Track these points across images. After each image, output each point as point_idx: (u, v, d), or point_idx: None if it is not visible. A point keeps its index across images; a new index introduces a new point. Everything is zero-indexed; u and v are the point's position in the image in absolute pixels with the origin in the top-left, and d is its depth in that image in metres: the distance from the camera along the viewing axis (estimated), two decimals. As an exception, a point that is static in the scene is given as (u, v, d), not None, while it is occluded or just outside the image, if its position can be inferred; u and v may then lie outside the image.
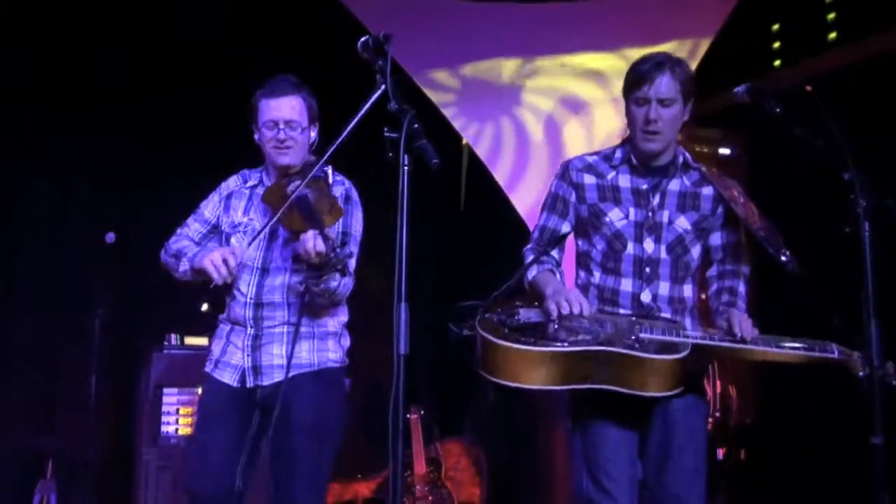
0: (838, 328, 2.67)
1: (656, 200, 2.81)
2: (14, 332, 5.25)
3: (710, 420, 5.12)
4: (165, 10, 5.40)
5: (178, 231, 3.26)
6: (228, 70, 5.28)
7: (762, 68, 5.92)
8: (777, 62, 5.98)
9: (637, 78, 2.73)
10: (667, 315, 2.79)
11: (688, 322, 2.82)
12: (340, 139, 2.41)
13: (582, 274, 2.93)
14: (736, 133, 6.02)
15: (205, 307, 4.93)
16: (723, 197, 2.85)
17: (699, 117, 6.09)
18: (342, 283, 2.96)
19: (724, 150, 6.08)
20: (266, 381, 3.05)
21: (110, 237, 4.60)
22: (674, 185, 2.84)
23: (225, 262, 2.85)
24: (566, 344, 2.55)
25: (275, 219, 2.88)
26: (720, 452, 5.08)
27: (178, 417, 4.59)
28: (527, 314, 2.74)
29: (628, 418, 2.74)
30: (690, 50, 5.83)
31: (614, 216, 2.81)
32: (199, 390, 3.37)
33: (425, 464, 5.03)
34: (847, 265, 2.59)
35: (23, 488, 4.85)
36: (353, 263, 3.00)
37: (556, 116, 5.89)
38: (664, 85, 2.71)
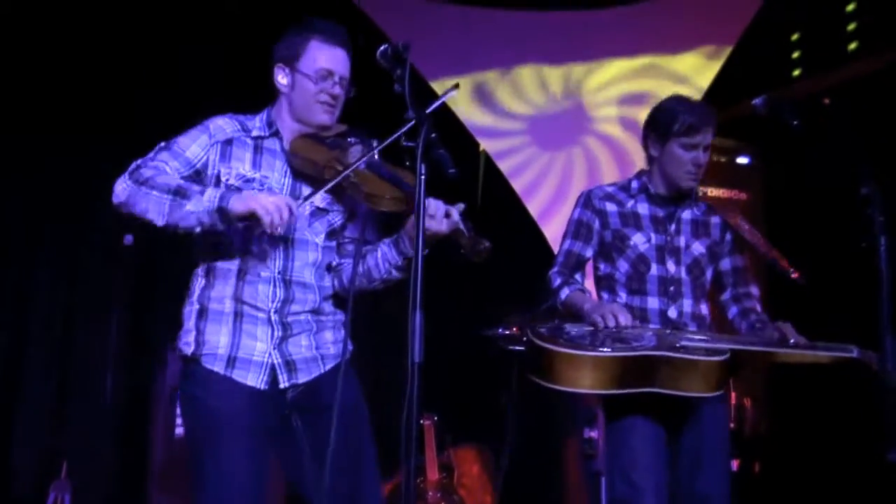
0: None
1: (673, 227, 3.06)
2: (31, 331, 5.28)
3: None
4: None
5: (150, 163, 2.48)
6: (240, 76, 5.30)
7: (781, 77, 5.90)
8: (796, 72, 5.96)
9: (692, 125, 2.95)
10: (693, 329, 2.98)
11: (710, 334, 2.98)
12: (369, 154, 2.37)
13: (606, 295, 3.11)
14: (753, 143, 6.00)
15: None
16: (729, 224, 3.10)
17: (718, 127, 6.09)
18: None
19: (742, 160, 6.07)
20: (303, 378, 2.55)
21: (128, 239, 4.62)
22: (686, 215, 3.10)
23: (279, 209, 2.31)
24: (622, 349, 2.71)
25: (340, 178, 2.39)
26: (734, 464, 5.05)
27: (192, 419, 4.60)
28: (572, 327, 2.89)
29: (659, 421, 2.90)
30: (710, 57, 5.83)
31: (638, 240, 3.04)
32: (191, 395, 2.54)
33: (437, 470, 5.03)
34: (863, 278, 2.60)
35: (37, 488, 4.87)
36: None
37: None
38: (711, 135, 3.00)
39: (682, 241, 3.05)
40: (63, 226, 5.37)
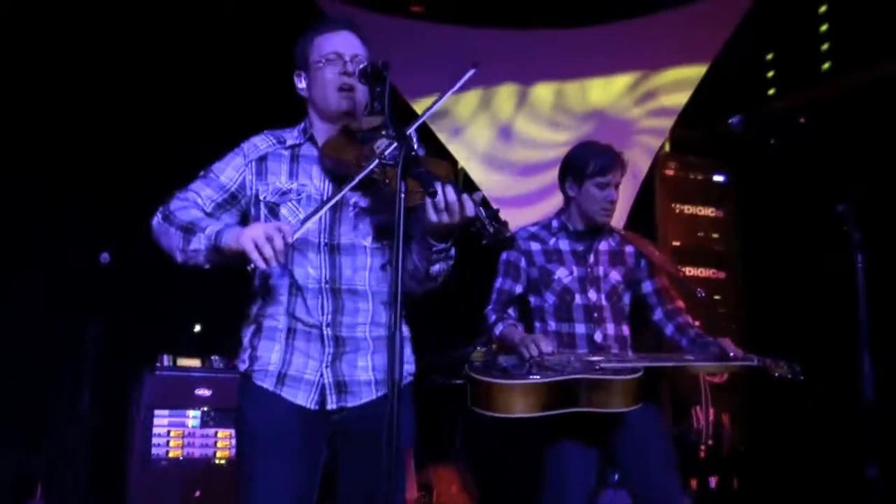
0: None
1: (592, 258, 3.38)
2: (5, 350, 5.21)
3: (703, 448, 5.12)
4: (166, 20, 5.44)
5: (182, 195, 2.52)
6: (225, 82, 5.31)
7: (757, 97, 5.96)
8: (771, 91, 6.03)
9: (604, 166, 3.30)
10: (615, 350, 3.31)
11: (630, 353, 3.32)
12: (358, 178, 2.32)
13: (538, 325, 3.40)
14: (729, 161, 6.05)
15: (198, 328, 4.91)
16: (643, 253, 3.41)
17: (693, 145, 6.16)
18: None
19: (718, 178, 6.11)
20: (352, 402, 2.44)
21: (105, 257, 4.58)
22: (603, 246, 3.42)
23: (270, 240, 2.19)
24: (547, 375, 2.99)
25: (362, 176, 2.27)
26: (713, 481, 5.07)
27: (168, 440, 4.55)
28: (505, 359, 3.18)
29: (590, 442, 3.23)
30: (686, 77, 5.88)
31: (562, 273, 3.36)
32: (240, 410, 2.49)
33: (416, 489, 5.01)
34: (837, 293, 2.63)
35: (11, 509, 4.80)
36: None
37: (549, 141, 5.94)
38: (620, 175, 3.35)
39: (601, 271, 3.37)
40: (39, 243, 5.32)
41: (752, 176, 5.90)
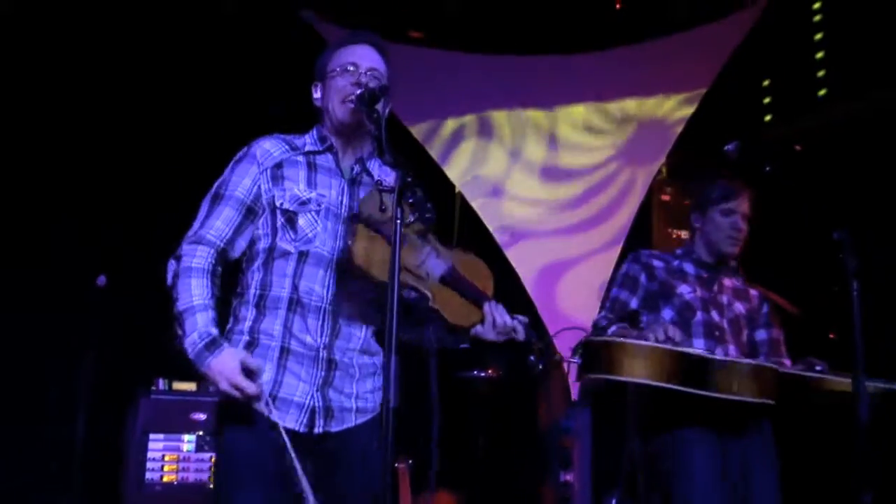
0: None
1: (716, 287, 3.26)
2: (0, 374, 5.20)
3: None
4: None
5: (200, 230, 2.43)
6: (221, 104, 5.33)
7: (753, 123, 6.00)
8: (768, 117, 6.06)
9: (728, 193, 3.23)
10: None
11: None
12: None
13: None
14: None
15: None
16: (767, 297, 3.30)
17: (692, 171, 6.17)
18: None
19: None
20: (336, 428, 2.40)
21: (101, 280, 4.57)
22: (728, 282, 3.30)
23: (240, 389, 2.24)
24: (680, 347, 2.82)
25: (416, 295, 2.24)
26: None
27: (163, 464, 4.53)
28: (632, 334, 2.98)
29: (715, 440, 3.01)
30: (683, 103, 5.91)
31: (684, 290, 3.21)
32: (222, 428, 2.42)
33: (413, 515, 4.97)
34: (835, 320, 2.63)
35: (4, 533, 4.77)
36: None
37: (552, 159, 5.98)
38: (746, 203, 3.26)
39: (724, 300, 3.23)
40: (33, 265, 5.32)
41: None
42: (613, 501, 4.91)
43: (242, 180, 2.44)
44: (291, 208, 2.40)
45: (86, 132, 5.35)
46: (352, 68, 2.47)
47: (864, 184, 4.94)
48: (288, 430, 2.31)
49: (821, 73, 5.72)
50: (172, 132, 5.45)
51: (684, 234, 5.96)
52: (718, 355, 2.95)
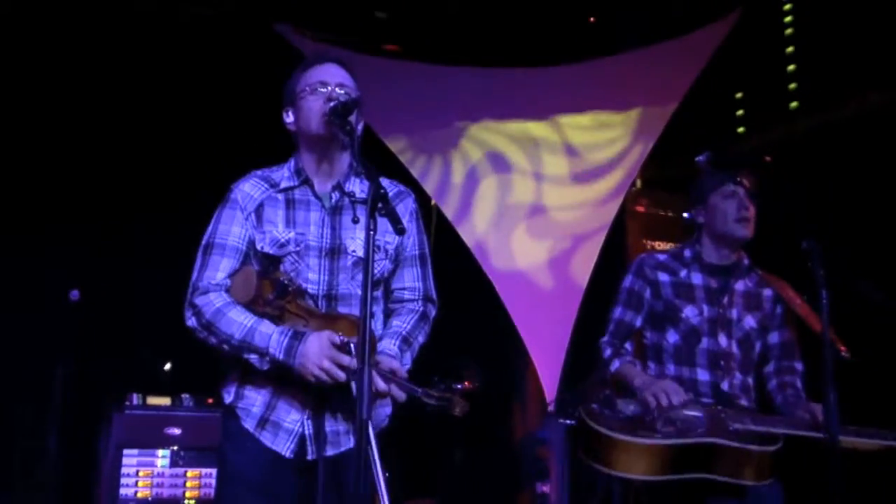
0: None
1: (726, 299, 3.02)
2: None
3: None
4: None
5: (201, 283, 2.46)
6: (198, 116, 5.31)
7: (727, 135, 6.05)
8: (741, 129, 6.12)
9: (725, 174, 3.00)
10: (744, 403, 2.96)
11: (758, 414, 2.93)
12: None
13: (652, 365, 3.08)
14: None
15: (167, 366, 4.86)
16: (781, 298, 3.05)
17: (665, 182, 6.22)
18: (424, 333, 2.62)
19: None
20: (331, 452, 2.41)
21: (74, 295, 4.54)
22: (739, 286, 3.05)
23: (337, 366, 2.29)
24: (675, 435, 2.71)
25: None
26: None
27: (137, 480, 4.49)
28: (625, 405, 2.87)
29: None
30: (657, 116, 5.96)
31: (690, 313, 3.01)
32: (222, 448, 2.50)
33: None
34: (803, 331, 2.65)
35: (-24, 552, 4.71)
36: (433, 285, 2.67)
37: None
38: (748, 179, 3.01)
39: (734, 314, 3.01)
40: (5, 279, 5.27)
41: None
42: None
43: (231, 228, 2.48)
44: (271, 252, 2.45)
45: (61, 146, 5.33)
46: (321, 86, 2.48)
47: (833, 194, 5.00)
48: (277, 454, 2.38)
49: (792, 86, 5.79)
50: (147, 148, 5.43)
51: (659, 246, 6.02)
52: (724, 387, 2.93)
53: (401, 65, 5.97)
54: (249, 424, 2.43)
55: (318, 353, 2.29)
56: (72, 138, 5.35)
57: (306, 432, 2.40)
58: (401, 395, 2.38)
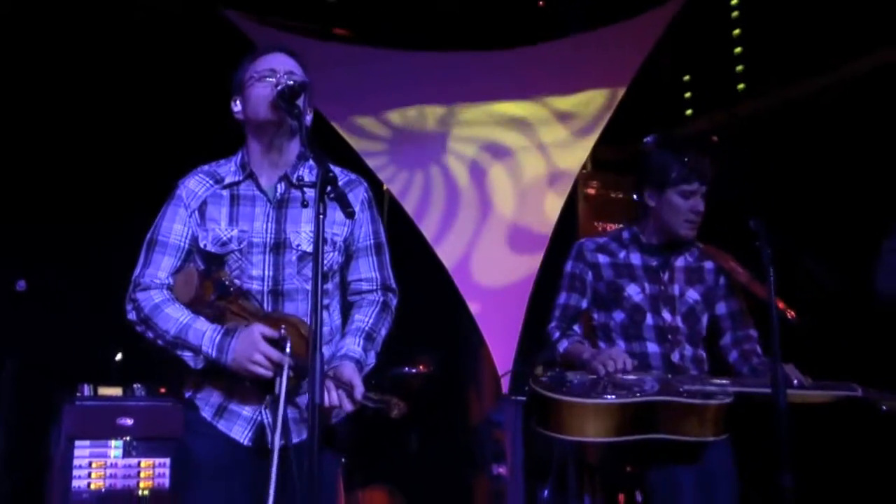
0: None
1: (666, 276, 3.06)
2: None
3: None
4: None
5: (143, 279, 2.48)
6: (146, 106, 5.25)
7: (675, 117, 6.12)
8: (689, 111, 6.20)
9: (689, 171, 2.95)
10: (694, 372, 2.99)
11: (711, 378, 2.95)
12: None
13: (603, 344, 3.10)
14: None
15: (119, 356, 4.81)
16: (723, 269, 3.08)
17: (615, 164, 6.28)
18: (387, 324, 2.62)
19: (640, 197, 6.22)
20: (295, 440, 2.36)
21: (21, 285, 4.47)
22: (679, 262, 3.09)
23: (267, 359, 2.30)
24: (625, 395, 2.70)
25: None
26: (621, 498, 5.09)
27: (90, 472, 4.43)
28: (574, 376, 2.88)
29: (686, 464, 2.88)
30: (607, 99, 6.00)
31: (632, 291, 3.05)
32: (183, 439, 2.52)
33: (347, 513, 4.96)
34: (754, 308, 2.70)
35: (-77, 549, 4.63)
36: (391, 274, 2.67)
37: (480, 162, 5.99)
38: (707, 180, 2.98)
39: (676, 290, 3.04)
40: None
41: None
42: (546, 493, 4.96)
43: (174, 225, 2.50)
44: (214, 251, 2.47)
45: (4, 137, 5.23)
46: (270, 73, 2.48)
47: (779, 174, 5.09)
48: (236, 443, 2.42)
49: (739, 68, 5.86)
50: (94, 139, 5.35)
51: (610, 227, 6.07)
52: (674, 358, 2.96)
53: (350, 49, 5.94)
54: (207, 413, 2.46)
55: (249, 347, 2.31)
56: (16, 130, 5.25)
57: (265, 420, 2.42)
58: (349, 408, 2.40)
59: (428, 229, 5.77)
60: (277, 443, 2.16)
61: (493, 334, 5.65)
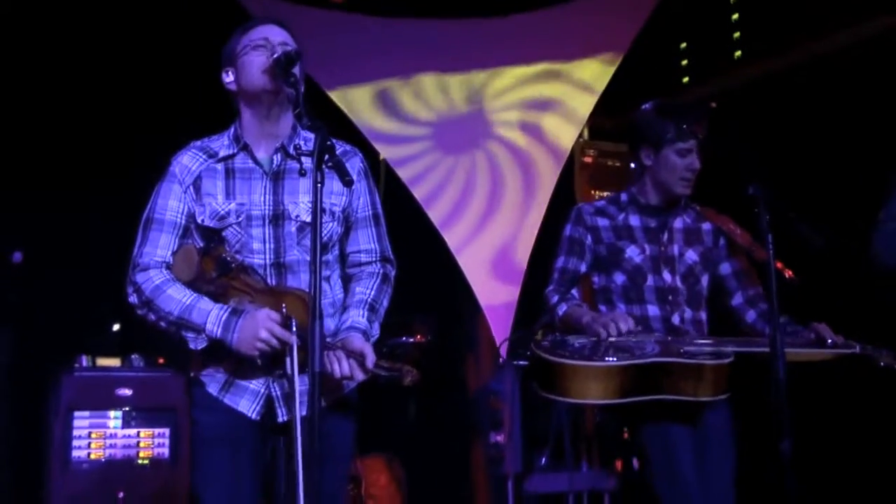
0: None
1: (665, 237, 3.07)
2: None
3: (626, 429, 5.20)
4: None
5: (141, 259, 2.45)
6: (145, 78, 5.21)
7: (672, 84, 6.10)
8: (686, 79, 6.17)
9: (685, 129, 2.97)
10: (694, 335, 2.98)
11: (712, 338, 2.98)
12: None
13: (603, 307, 3.10)
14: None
15: (116, 327, 4.81)
16: (721, 230, 3.10)
17: (612, 133, 6.27)
18: (387, 296, 2.62)
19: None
20: (303, 412, 2.28)
21: (17, 256, 4.47)
22: (678, 223, 3.10)
23: (274, 337, 2.29)
24: (627, 358, 2.71)
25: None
26: (618, 464, 5.13)
27: (90, 441, 4.46)
28: (575, 339, 2.87)
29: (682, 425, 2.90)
30: (603, 66, 5.98)
31: (632, 252, 3.05)
32: (191, 416, 2.52)
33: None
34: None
35: (-77, 520, 4.66)
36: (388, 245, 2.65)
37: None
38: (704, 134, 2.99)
39: (675, 250, 3.06)
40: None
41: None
42: (543, 460, 5.00)
43: (169, 202, 2.46)
44: (212, 225, 2.44)
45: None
46: (264, 42, 2.44)
47: (777, 141, 5.09)
48: (243, 416, 2.40)
49: (736, 35, 5.84)
50: (92, 109, 5.31)
51: (607, 195, 6.07)
52: (675, 320, 2.98)
53: (345, 17, 5.89)
54: (213, 388, 2.44)
55: (257, 325, 2.29)
56: (11, 99, 5.22)
57: (273, 394, 2.41)
58: (361, 377, 2.41)
59: (435, 212, 5.78)
60: (298, 416, 2.15)
61: (491, 303, 5.67)
